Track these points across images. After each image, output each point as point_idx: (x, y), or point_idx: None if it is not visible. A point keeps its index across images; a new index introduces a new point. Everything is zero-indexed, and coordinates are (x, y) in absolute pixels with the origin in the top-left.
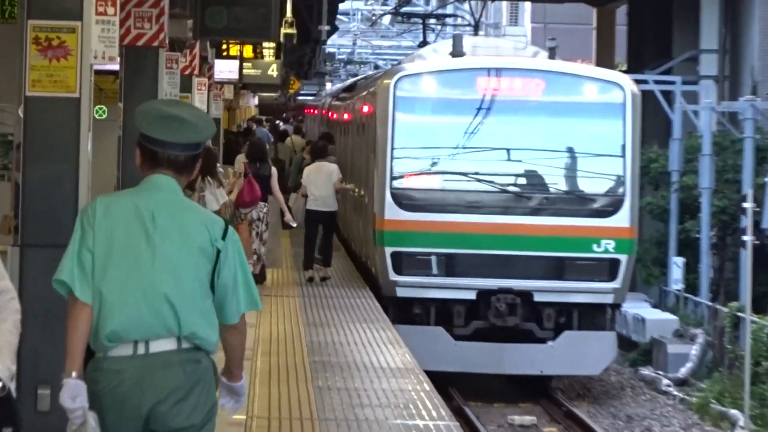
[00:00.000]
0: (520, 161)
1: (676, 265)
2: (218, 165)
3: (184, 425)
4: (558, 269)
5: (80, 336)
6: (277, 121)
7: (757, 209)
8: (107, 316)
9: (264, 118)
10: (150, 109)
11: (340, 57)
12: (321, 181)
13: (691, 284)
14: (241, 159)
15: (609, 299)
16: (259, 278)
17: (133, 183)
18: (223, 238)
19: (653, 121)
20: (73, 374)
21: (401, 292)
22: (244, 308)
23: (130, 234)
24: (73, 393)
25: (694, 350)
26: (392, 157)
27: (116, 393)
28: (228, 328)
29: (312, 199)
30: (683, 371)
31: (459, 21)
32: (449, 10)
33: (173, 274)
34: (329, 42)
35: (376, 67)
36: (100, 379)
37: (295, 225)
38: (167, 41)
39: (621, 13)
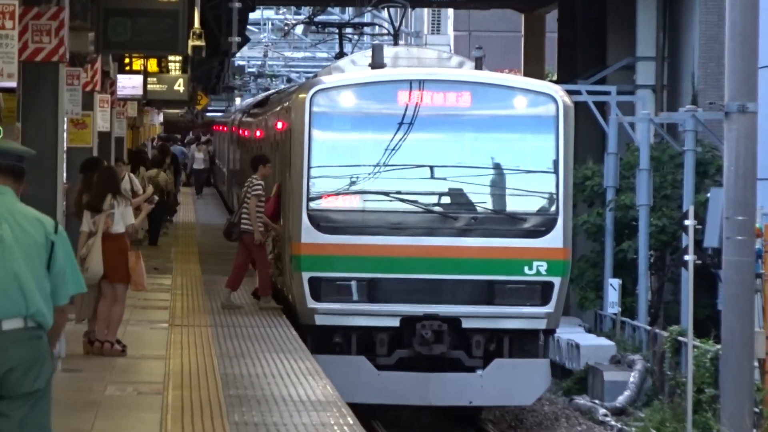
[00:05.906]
0: (445, 179)
1: (612, 287)
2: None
3: (31, 390)
4: (487, 294)
5: None
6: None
7: (699, 227)
8: None
9: (177, 136)
10: None
11: (250, 70)
12: None
13: (629, 308)
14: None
15: (542, 324)
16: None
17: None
18: (56, 232)
19: (587, 135)
20: None
21: (320, 320)
22: (72, 291)
23: None
24: None
25: (632, 377)
26: (309, 177)
27: None
28: (57, 309)
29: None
30: (621, 400)
31: (378, 30)
32: (367, 18)
33: (19, 262)
34: (238, 54)
35: (289, 80)
36: None
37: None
38: (68, 56)
39: (551, 19)
